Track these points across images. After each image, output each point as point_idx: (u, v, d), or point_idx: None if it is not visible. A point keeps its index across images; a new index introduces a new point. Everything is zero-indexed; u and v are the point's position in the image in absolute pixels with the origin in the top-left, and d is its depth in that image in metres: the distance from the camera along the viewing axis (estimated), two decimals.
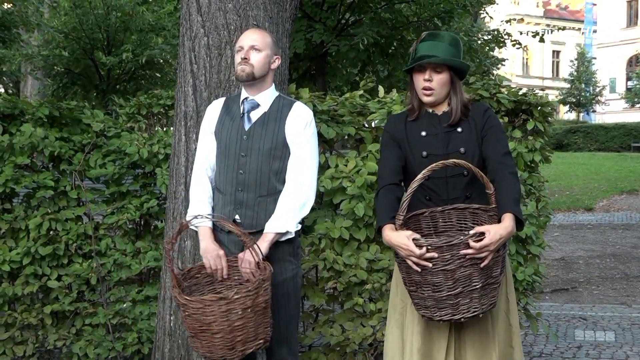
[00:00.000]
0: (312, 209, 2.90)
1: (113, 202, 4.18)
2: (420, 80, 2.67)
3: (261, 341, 2.68)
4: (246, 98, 2.90)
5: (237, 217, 2.84)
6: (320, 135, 3.51)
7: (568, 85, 42.76)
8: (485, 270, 2.40)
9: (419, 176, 2.43)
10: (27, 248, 3.94)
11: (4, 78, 21.63)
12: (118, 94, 14.50)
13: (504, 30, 13.31)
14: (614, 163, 20.98)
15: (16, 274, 4.04)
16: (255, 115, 2.87)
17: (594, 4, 48.70)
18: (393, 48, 11.37)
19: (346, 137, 4.16)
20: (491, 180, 2.55)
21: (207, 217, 2.83)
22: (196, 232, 3.02)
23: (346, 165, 3.94)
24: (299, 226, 2.85)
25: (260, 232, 2.81)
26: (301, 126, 2.85)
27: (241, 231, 2.69)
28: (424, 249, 2.38)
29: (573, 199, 14.17)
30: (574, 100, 42.11)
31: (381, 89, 4.29)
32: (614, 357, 4.58)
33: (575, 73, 42.45)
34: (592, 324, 5.44)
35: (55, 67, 15.89)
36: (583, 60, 42.76)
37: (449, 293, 2.40)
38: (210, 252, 2.82)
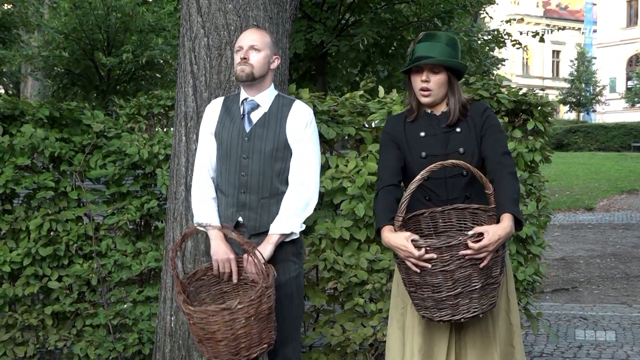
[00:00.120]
0: (313, 209, 2.90)
1: (113, 202, 4.18)
2: (417, 81, 2.67)
3: (265, 345, 2.69)
4: (246, 99, 2.89)
5: (240, 218, 2.84)
6: (320, 136, 3.51)
7: (568, 85, 42.75)
8: (484, 271, 2.40)
9: (417, 177, 2.43)
10: (28, 249, 3.94)
11: (4, 79, 21.63)
12: (118, 94, 14.51)
13: (504, 30, 13.31)
14: (614, 163, 20.97)
15: (17, 274, 4.04)
16: (255, 116, 2.87)
17: (594, 4, 48.70)
18: (393, 48, 11.37)
19: (346, 137, 4.17)
20: (490, 180, 2.56)
21: (210, 226, 2.81)
22: (198, 232, 3.03)
23: (346, 166, 3.94)
24: (303, 226, 2.85)
25: (264, 234, 2.81)
26: (302, 126, 2.84)
27: (242, 238, 2.69)
28: (423, 250, 2.38)
29: (573, 199, 14.17)
30: (574, 100, 42.11)
31: (381, 89, 4.30)
32: (615, 356, 4.58)
33: (575, 73, 42.45)
34: (592, 323, 5.44)
35: (55, 68, 15.88)
36: (583, 60, 42.76)
37: (449, 294, 2.40)
38: (220, 254, 2.80)
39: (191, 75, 3.52)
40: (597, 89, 42.26)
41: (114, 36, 14.96)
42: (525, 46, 13.98)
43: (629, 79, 42.81)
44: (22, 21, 13.52)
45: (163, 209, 4.11)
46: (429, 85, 2.65)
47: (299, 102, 2.91)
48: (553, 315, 5.73)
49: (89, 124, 4.15)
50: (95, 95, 16.15)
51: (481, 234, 2.37)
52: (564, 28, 14.67)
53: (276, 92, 2.95)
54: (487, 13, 15.10)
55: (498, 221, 2.46)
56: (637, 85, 37.78)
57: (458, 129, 2.67)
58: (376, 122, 4.05)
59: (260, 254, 2.69)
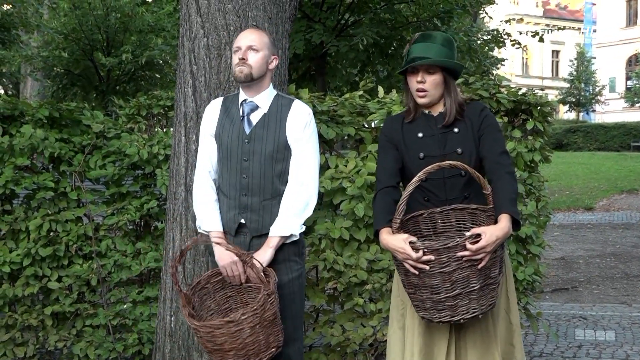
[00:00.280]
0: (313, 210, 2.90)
1: (113, 203, 4.18)
2: (413, 82, 2.68)
3: (273, 349, 2.72)
4: (245, 100, 2.88)
5: (242, 220, 2.83)
6: (320, 136, 3.52)
7: (568, 85, 42.74)
8: (483, 272, 2.41)
9: (415, 179, 2.43)
10: (28, 249, 3.94)
11: (4, 79, 21.63)
12: (118, 95, 14.51)
13: (504, 30, 13.30)
14: (614, 162, 20.97)
15: (16, 275, 4.04)
16: (255, 117, 2.86)
17: (594, 4, 48.70)
18: (393, 48, 11.37)
19: (346, 137, 4.17)
20: (488, 180, 2.56)
21: (206, 238, 2.81)
22: (198, 233, 3.03)
23: (346, 166, 3.95)
24: (303, 227, 2.85)
25: (266, 235, 2.80)
26: (301, 126, 2.84)
27: (238, 250, 2.70)
28: (421, 252, 2.38)
29: (573, 199, 14.18)
30: (574, 100, 42.10)
31: (381, 90, 4.30)
32: (615, 356, 4.58)
33: (574, 73, 42.44)
34: (592, 323, 5.44)
35: (54, 68, 15.88)
36: (582, 59, 42.75)
37: (447, 295, 2.40)
38: (225, 259, 2.79)
39: (190, 75, 3.52)
40: (597, 89, 42.25)
41: (113, 36, 14.96)
42: (524, 46, 13.97)
43: (628, 78, 42.82)
44: (21, 22, 13.53)
45: (163, 209, 4.11)
46: (425, 86, 2.65)
47: (298, 102, 2.91)
48: (553, 315, 5.73)
49: (89, 125, 4.16)
50: (94, 95, 16.14)
51: (479, 235, 2.37)
52: (563, 28, 14.67)
53: (275, 92, 2.94)
54: (486, 13, 15.11)
55: (496, 221, 2.46)
56: (637, 85, 37.79)
57: (456, 129, 2.67)
58: (376, 122, 4.05)
59: (259, 262, 2.70)
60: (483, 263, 2.38)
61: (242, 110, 2.88)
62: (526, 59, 52.86)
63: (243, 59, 2.81)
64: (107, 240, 4.10)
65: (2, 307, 4.02)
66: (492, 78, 4.33)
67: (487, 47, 13.83)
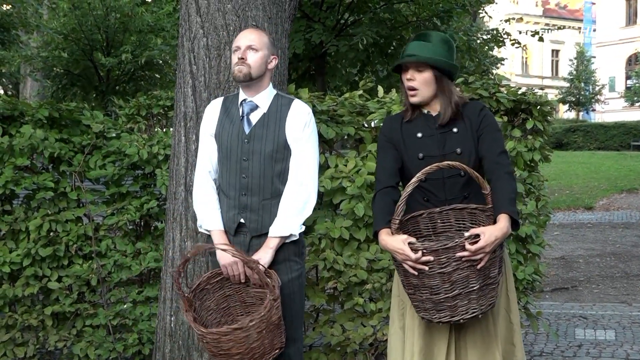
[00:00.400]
0: (312, 209, 2.90)
1: (113, 203, 4.18)
2: (405, 80, 2.69)
3: (277, 350, 2.73)
4: (244, 100, 2.88)
5: (242, 220, 2.83)
6: (320, 136, 3.52)
7: (567, 84, 42.75)
8: (482, 272, 2.41)
9: (413, 179, 2.43)
10: (28, 249, 3.94)
11: (4, 79, 21.63)
12: (117, 95, 14.50)
13: (503, 29, 13.30)
14: (614, 162, 20.96)
15: (16, 275, 4.04)
16: (254, 117, 2.86)
17: (593, 3, 48.72)
18: (392, 48, 11.37)
19: (346, 137, 4.17)
20: (487, 180, 2.56)
21: (207, 247, 2.80)
22: (197, 232, 3.03)
23: (346, 165, 3.95)
24: (303, 227, 2.85)
25: (266, 235, 2.80)
26: (301, 125, 2.83)
27: (243, 256, 2.69)
28: (420, 252, 2.38)
29: (573, 198, 14.18)
30: (574, 99, 42.10)
31: (380, 89, 4.30)
32: (615, 355, 4.58)
33: (574, 72, 42.44)
34: (592, 322, 5.44)
35: (54, 69, 15.87)
36: (582, 59, 42.76)
37: (447, 295, 2.41)
38: (226, 259, 2.79)
39: (190, 75, 3.52)
40: (597, 88, 42.26)
41: (113, 36, 14.95)
42: (524, 45, 13.97)
43: (628, 78, 42.82)
44: (21, 22, 13.52)
45: (163, 209, 4.11)
46: (414, 84, 2.66)
47: (297, 102, 2.90)
48: (553, 314, 5.73)
49: (89, 125, 4.16)
50: (94, 95, 16.13)
51: (478, 236, 2.37)
52: (563, 27, 14.69)
53: (275, 92, 2.94)
54: (486, 12, 15.10)
55: (495, 222, 2.46)
56: (637, 84, 37.79)
57: (455, 129, 2.66)
58: (375, 121, 4.05)
59: (264, 267, 2.70)
60: (482, 263, 2.39)
61: (241, 110, 2.88)
62: (526, 58, 52.86)
63: (242, 58, 2.81)
64: (107, 240, 4.10)
65: (2, 307, 4.02)
66: (492, 77, 4.33)
67: (486, 47, 13.82)
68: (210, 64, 3.48)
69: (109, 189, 4.16)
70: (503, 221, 2.43)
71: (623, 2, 45.34)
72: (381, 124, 3.90)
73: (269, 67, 2.89)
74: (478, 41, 13.01)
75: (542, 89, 42.04)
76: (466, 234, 2.39)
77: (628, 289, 6.81)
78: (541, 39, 13.52)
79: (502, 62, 19.38)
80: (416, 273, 2.41)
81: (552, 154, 4.32)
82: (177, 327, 3.54)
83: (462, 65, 12.51)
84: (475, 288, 2.41)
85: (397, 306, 2.78)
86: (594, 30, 48.19)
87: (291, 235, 2.80)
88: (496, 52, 17.37)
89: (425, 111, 2.72)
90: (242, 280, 2.83)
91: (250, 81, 2.83)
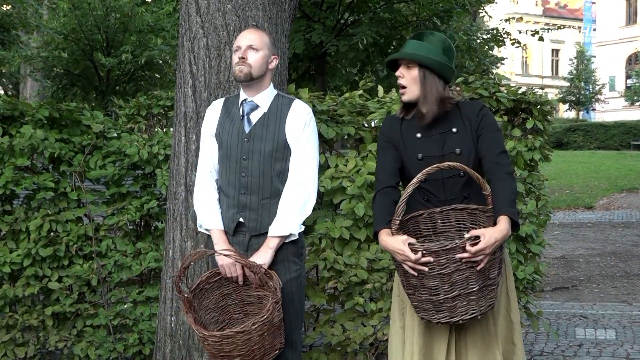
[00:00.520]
0: (312, 209, 2.89)
1: (113, 203, 4.18)
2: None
3: (277, 351, 2.73)
4: (245, 99, 2.89)
5: (241, 219, 2.83)
6: (320, 135, 3.52)
7: (567, 84, 42.73)
8: (482, 273, 2.41)
9: (414, 180, 2.43)
10: (28, 250, 3.94)
11: (4, 80, 21.64)
12: (117, 95, 14.49)
13: (503, 29, 13.30)
14: (614, 161, 20.97)
15: (17, 275, 4.04)
16: (255, 117, 2.86)
17: (593, 2, 48.72)
18: (392, 48, 11.36)
19: (346, 137, 4.17)
20: (487, 180, 2.55)
21: (209, 252, 2.80)
22: (197, 232, 3.02)
23: (346, 165, 3.95)
24: (302, 227, 2.85)
25: (265, 235, 2.80)
26: (301, 125, 2.83)
27: (247, 260, 2.70)
28: (420, 253, 2.38)
29: (573, 198, 14.18)
30: (574, 99, 42.09)
31: (380, 89, 4.30)
32: (615, 355, 4.58)
33: (574, 71, 42.43)
34: (592, 322, 5.44)
35: (54, 69, 15.86)
36: (582, 58, 42.74)
37: (446, 296, 2.41)
38: (226, 260, 2.79)
39: (190, 75, 3.52)
40: (597, 88, 42.25)
41: (113, 37, 14.95)
42: (524, 45, 13.96)
43: (628, 77, 42.81)
44: (21, 22, 13.52)
45: (163, 209, 4.11)
46: (403, 82, 2.67)
47: (298, 102, 2.90)
48: (553, 313, 5.73)
49: (89, 125, 4.16)
50: (94, 95, 16.13)
51: (478, 237, 2.37)
52: (563, 27, 14.68)
53: (275, 92, 2.94)
54: (486, 12, 15.08)
55: (495, 223, 2.46)
56: (637, 84, 37.77)
57: (454, 129, 2.66)
58: (375, 121, 4.05)
59: (266, 269, 2.70)
60: (482, 265, 2.39)
61: (242, 110, 2.88)
62: (526, 57, 52.86)
63: (243, 58, 2.81)
64: (107, 240, 4.10)
65: (3, 308, 4.02)
66: (492, 77, 4.33)
67: (486, 46, 13.82)
68: (210, 64, 3.48)
69: (109, 189, 4.16)
70: (503, 223, 2.43)
71: (623, 1, 45.33)
72: (381, 124, 3.90)
73: (269, 67, 2.89)
74: (478, 41, 13.00)
75: (542, 88, 41.97)
76: (466, 235, 2.39)
77: (628, 289, 6.81)
78: (541, 39, 13.52)
79: (502, 61, 19.37)
80: (416, 274, 2.42)
81: (552, 154, 4.32)
82: (178, 327, 3.54)
83: (462, 65, 12.52)
84: (474, 289, 2.41)
85: (398, 306, 2.78)
86: (594, 29, 48.18)
87: (290, 235, 2.80)
88: (496, 51, 17.37)
89: (424, 111, 2.71)
90: (240, 282, 2.83)
91: (251, 81, 2.83)
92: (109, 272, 4.08)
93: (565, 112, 44.72)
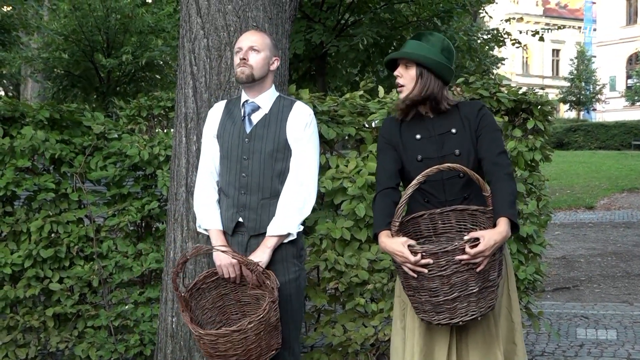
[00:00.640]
0: (313, 210, 2.89)
1: (114, 204, 4.18)
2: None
3: (274, 351, 2.73)
4: (247, 101, 2.89)
5: (240, 219, 2.83)
6: (320, 136, 3.51)
7: (568, 84, 42.74)
8: (481, 275, 2.41)
9: (413, 182, 2.43)
10: (29, 251, 3.94)
11: (4, 81, 21.65)
12: (118, 96, 14.50)
13: (504, 29, 13.30)
14: (615, 161, 20.97)
15: (18, 276, 4.04)
16: (256, 117, 2.87)
17: (594, 2, 48.72)
18: (393, 48, 11.36)
19: (346, 137, 4.17)
20: (487, 181, 2.55)
21: (206, 248, 2.80)
22: (198, 233, 3.02)
23: (347, 166, 3.94)
24: (301, 227, 2.84)
25: (264, 235, 2.80)
26: (302, 126, 2.84)
27: (244, 258, 2.69)
28: (419, 255, 2.39)
29: (574, 198, 14.18)
30: (574, 99, 42.09)
31: (381, 89, 4.30)
32: (616, 355, 4.58)
33: (575, 71, 42.43)
34: (593, 322, 5.44)
35: (55, 70, 15.87)
36: (583, 58, 42.74)
37: (446, 298, 2.41)
38: (223, 260, 2.79)
39: (191, 76, 3.52)
40: (597, 88, 42.25)
41: (113, 38, 14.96)
42: (524, 45, 13.97)
43: (628, 77, 42.82)
44: (21, 23, 13.54)
45: (164, 210, 4.11)
46: (401, 81, 2.67)
47: (299, 104, 2.91)
48: (554, 314, 5.73)
49: (90, 126, 4.16)
50: (95, 96, 16.14)
51: (477, 239, 2.37)
52: (563, 27, 14.67)
53: (277, 94, 2.94)
54: (486, 12, 15.09)
55: (494, 225, 2.46)
56: (637, 84, 37.78)
57: (453, 130, 2.66)
58: (376, 122, 4.05)
59: (262, 268, 2.70)
60: (481, 267, 2.39)
61: (243, 111, 2.89)
62: (526, 58, 52.86)
63: (244, 59, 2.81)
64: (108, 241, 4.10)
65: (4, 309, 4.02)
66: (493, 77, 4.33)
67: (487, 47, 13.82)
68: (210, 65, 3.48)
69: (110, 190, 4.16)
70: (502, 225, 2.43)
71: (623, 1, 45.33)
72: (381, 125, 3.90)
73: (271, 69, 2.89)
74: (478, 41, 13.01)
75: (542, 88, 41.85)
76: (465, 237, 2.39)
77: (629, 289, 6.80)
78: (542, 39, 13.52)
79: (503, 61, 19.34)
80: (415, 275, 2.42)
81: (553, 154, 4.32)
82: (179, 328, 3.54)
83: (462, 66, 12.51)
84: (474, 291, 2.41)
85: (399, 306, 2.78)
86: (595, 29, 48.19)
87: (289, 234, 2.80)
88: (497, 52, 17.36)
89: (423, 112, 2.71)
90: (237, 282, 2.83)
91: (253, 82, 2.83)
92: (110, 273, 4.08)
93: (565, 112, 44.72)
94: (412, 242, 2.43)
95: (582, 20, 51.71)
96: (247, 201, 2.81)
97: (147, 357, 4.07)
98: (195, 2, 3.51)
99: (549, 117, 4.23)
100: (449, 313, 2.44)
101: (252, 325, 2.58)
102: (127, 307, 4.10)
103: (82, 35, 14.50)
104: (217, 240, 2.84)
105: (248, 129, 2.85)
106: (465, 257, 2.36)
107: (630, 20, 45.43)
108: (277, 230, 2.77)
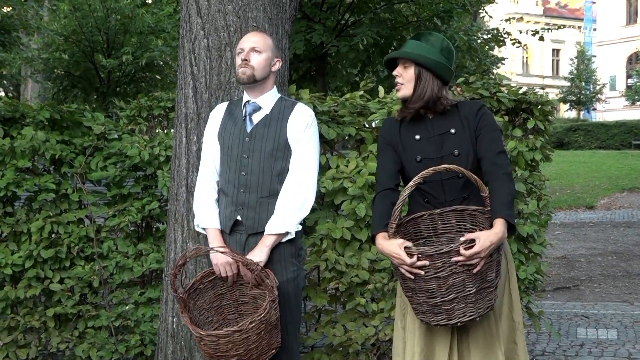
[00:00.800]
0: (313, 210, 2.90)
1: (114, 204, 4.18)
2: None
3: (274, 350, 2.73)
4: (248, 101, 2.90)
5: (238, 217, 2.84)
6: (320, 136, 3.52)
7: (568, 84, 42.74)
8: (478, 276, 2.41)
9: (410, 183, 2.44)
10: (29, 251, 3.94)
11: (5, 81, 21.67)
12: (118, 96, 14.50)
13: (504, 29, 13.30)
14: (615, 161, 20.97)
15: (18, 277, 4.04)
16: (257, 117, 2.87)
17: (594, 2, 48.73)
18: (393, 48, 11.36)
19: (347, 137, 4.17)
20: (485, 181, 2.55)
21: (205, 249, 2.80)
22: (198, 233, 3.02)
23: (347, 166, 3.95)
24: (300, 227, 2.85)
25: (262, 233, 2.80)
26: (302, 126, 2.84)
27: (243, 258, 2.69)
28: (415, 257, 2.39)
29: (574, 197, 14.18)
30: (574, 99, 42.09)
31: (381, 89, 4.30)
32: (617, 354, 4.58)
33: (575, 71, 42.44)
34: (594, 322, 5.44)
35: (55, 70, 15.88)
36: (583, 58, 42.75)
37: (443, 299, 2.41)
38: (220, 259, 2.79)
39: (191, 76, 3.52)
40: (597, 87, 42.25)
41: (113, 38, 14.96)
42: (524, 45, 13.97)
43: (629, 76, 42.81)
44: (21, 24, 13.54)
45: (164, 210, 4.11)
46: (400, 80, 2.68)
47: (300, 105, 2.92)
48: (555, 313, 5.73)
49: (90, 126, 4.16)
50: (95, 97, 16.15)
51: (473, 240, 2.38)
52: (563, 26, 14.67)
53: (279, 95, 2.95)
54: (486, 12, 15.08)
55: (491, 226, 2.46)
56: (637, 83, 37.77)
57: (452, 130, 2.66)
58: (376, 122, 4.05)
59: (265, 270, 2.70)
60: (478, 268, 2.39)
61: (244, 111, 2.89)
62: (526, 57, 52.86)
63: (246, 60, 2.82)
64: (108, 241, 4.10)
65: (5, 309, 4.03)
66: (493, 77, 4.33)
67: (487, 46, 13.82)
68: (211, 65, 3.48)
69: (110, 191, 4.16)
70: (499, 226, 2.43)
71: (623, 1, 45.33)
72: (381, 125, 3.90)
73: (272, 70, 2.90)
74: (478, 41, 13.01)
75: (542, 88, 41.79)
76: (461, 239, 2.39)
77: (630, 288, 6.80)
78: (542, 39, 13.52)
79: (503, 61, 19.34)
80: (412, 277, 2.42)
81: (553, 154, 4.32)
82: (180, 328, 3.54)
83: (462, 65, 12.51)
84: (472, 292, 2.41)
85: (399, 306, 2.79)
86: (595, 29, 48.19)
87: (287, 234, 2.79)
88: (497, 51, 17.36)
89: (423, 112, 2.71)
90: (234, 281, 2.83)
91: (254, 83, 2.84)
92: (111, 273, 4.09)
93: (566, 112, 44.72)
94: (409, 243, 2.44)
95: (582, 20, 51.72)
96: (246, 199, 2.82)
97: (147, 357, 4.07)
98: (196, 3, 3.51)
99: (549, 117, 4.23)
100: (446, 314, 2.44)
101: (253, 325, 2.57)
102: (127, 307, 4.10)
103: (82, 35, 14.50)
104: (215, 239, 2.84)
105: (249, 128, 2.85)
106: (461, 258, 2.37)
107: (630, 19, 45.43)
108: (276, 228, 2.77)
